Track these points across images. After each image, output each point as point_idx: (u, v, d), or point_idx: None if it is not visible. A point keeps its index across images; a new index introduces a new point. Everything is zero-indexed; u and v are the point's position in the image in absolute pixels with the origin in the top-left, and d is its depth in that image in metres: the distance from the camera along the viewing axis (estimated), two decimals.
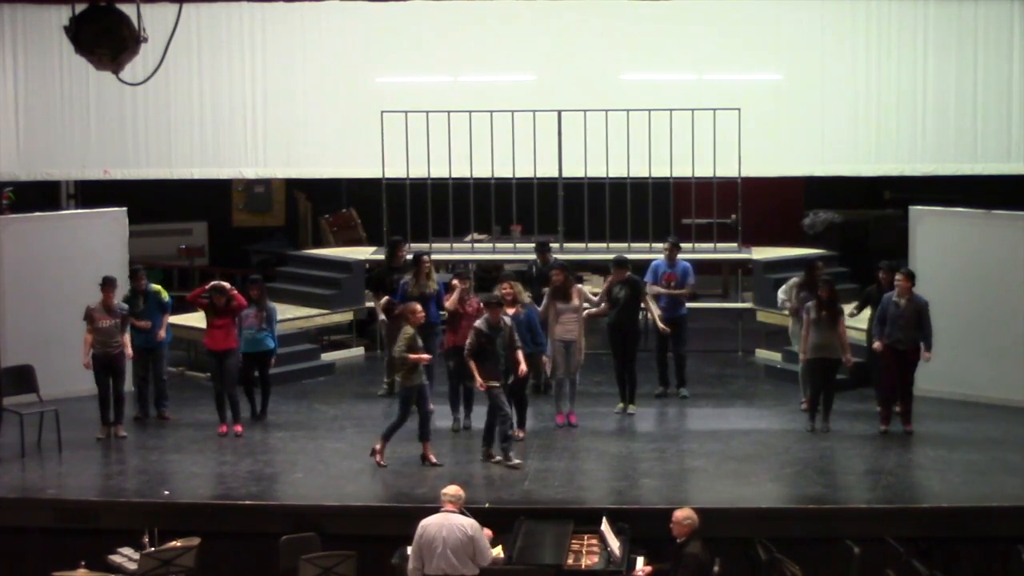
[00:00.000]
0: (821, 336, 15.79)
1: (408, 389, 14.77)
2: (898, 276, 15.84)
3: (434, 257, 19.06)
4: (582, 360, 16.37)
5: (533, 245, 18.10)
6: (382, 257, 18.59)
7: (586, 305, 16.49)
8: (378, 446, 14.83)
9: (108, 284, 15.97)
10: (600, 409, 16.74)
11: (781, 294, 17.24)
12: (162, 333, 16.65)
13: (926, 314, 15.69)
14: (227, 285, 16.15)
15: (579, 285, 16.63)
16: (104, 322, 15.88)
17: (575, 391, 16.35)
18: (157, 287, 16.95)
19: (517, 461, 14.76)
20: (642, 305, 16.87)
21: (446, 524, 11.97)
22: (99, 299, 15.93)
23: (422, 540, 11.97)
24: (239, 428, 16.03)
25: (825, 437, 15.70)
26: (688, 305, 17.48)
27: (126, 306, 16.20)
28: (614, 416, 16.59)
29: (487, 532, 12.30)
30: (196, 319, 17.48)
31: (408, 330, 14.74)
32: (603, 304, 16.56)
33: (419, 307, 15.07)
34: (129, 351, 16.22)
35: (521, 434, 15.50)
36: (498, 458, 14.80)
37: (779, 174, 20.61)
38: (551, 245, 18.15)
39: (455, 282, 16.37)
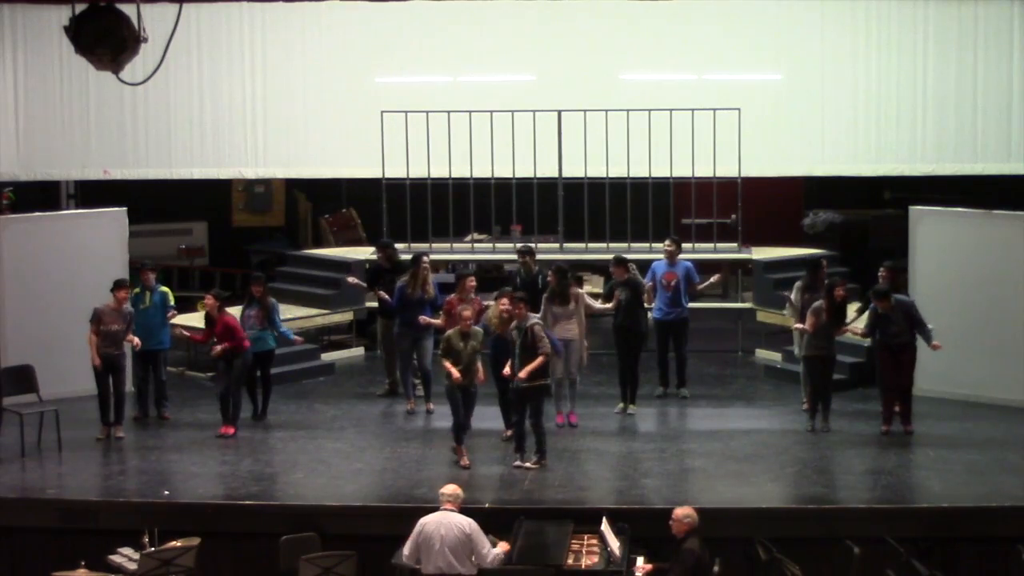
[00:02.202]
0: (820, 335, 15.79)
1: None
2: (881, 270, 15.79)
3: (434, 257, 19.06)
4: (585, 361, 16.31)
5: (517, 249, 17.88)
6: None
7: (597, 305, 16.43)
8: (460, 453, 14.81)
9: (120, 286, 15.86)
10: (600, 409, 16.73)
11: (792, 298, 17.02)
12: (173, 317, 16.69)
13: (914, 312, 15.69)
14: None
15: (577, 289, 16.38)
16: (113, 325, 15.76)
17: (575, 392, 16.32)
18: (165, 288, 16.92)
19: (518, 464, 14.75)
20: (646, 305, 16.81)
21: (444, 522, 11.98)
22: (107, 301, 15.79)
23: (420, 538, 11.98)
24: (232, 430, 15.92)
25: (825, 437, 15.67)
26: (688, 305, 17.42)
27: (132, 310, 16.08)
28: (614, 416, 16.57)
29: (504, 546, 12.28)
30: (196, 319, 17.44)
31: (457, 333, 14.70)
32: (608, 303, 16.48)
33: (466, 312, 14.80)
34: (137, 341, 16.03)
35: (508, 433, 15.38)
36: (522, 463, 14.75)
37: (779, 174, 20.62)
38: (534, 248, 17.76)
39: (466, 282, 16.23)
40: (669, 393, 17.36)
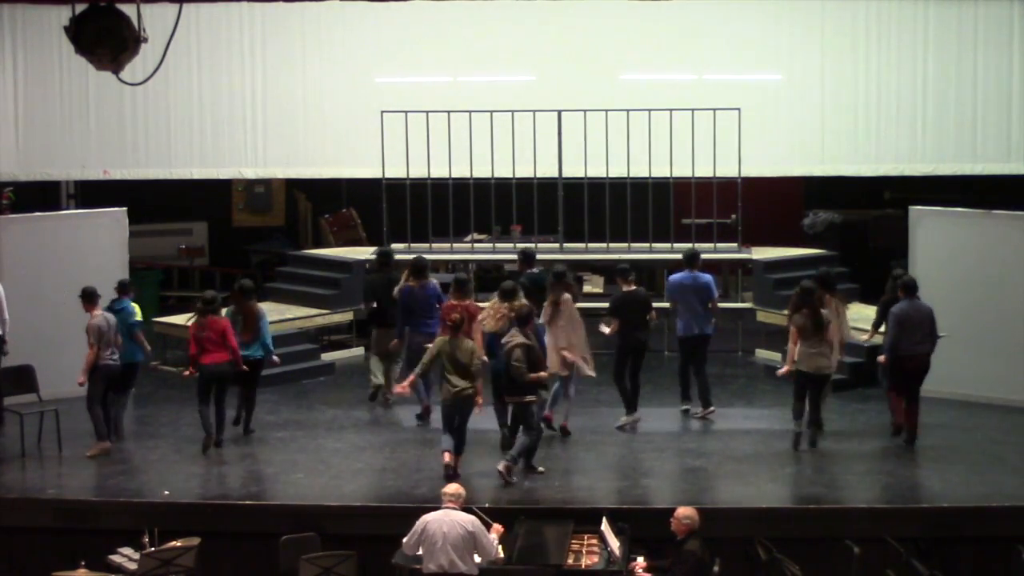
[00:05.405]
0: (804, 347, 15.18)
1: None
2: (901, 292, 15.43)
3: (434, 257, 19.04)
4: (587, 371, 15.73)
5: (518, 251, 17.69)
6: None
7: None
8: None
9: (83, 297, 15.38)
10: (600, 409, 16.71)
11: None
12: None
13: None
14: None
15: (566, 295, 15.63)
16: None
17: (557, 394, 15.71)
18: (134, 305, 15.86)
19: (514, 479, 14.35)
20: (648, 317, 16.16)
21: (447, 520, 11.99)
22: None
23: (423, 536, 11.98)
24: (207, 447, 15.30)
25: (825, 436, 15.58)
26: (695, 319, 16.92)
27: (106, 318, 15.37)
28: (614, 417, 16.48)
29: (497, 528, 12.33)
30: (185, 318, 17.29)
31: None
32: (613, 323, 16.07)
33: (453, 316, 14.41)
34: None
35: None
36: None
37: (779, 174, 20.64)
38: (532, 252, 17.35)
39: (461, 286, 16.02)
40: (692, 414, 16.61)
